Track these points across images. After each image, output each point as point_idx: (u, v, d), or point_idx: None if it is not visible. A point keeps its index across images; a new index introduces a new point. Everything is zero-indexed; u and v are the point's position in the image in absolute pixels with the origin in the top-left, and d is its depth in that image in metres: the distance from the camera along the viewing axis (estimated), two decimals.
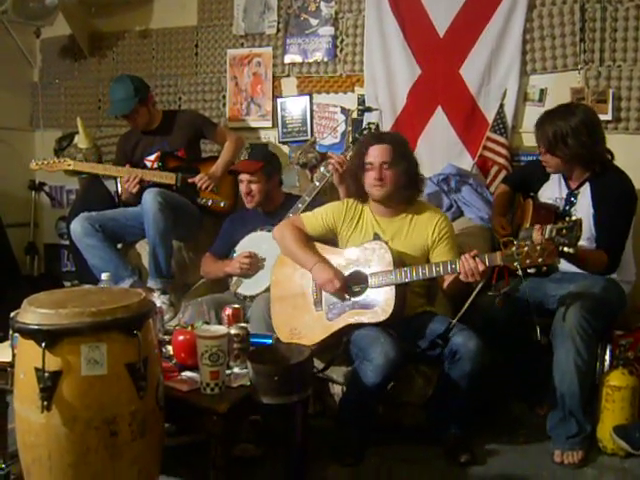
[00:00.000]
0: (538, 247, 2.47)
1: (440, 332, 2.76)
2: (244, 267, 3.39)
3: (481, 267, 2.59)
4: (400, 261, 2.85)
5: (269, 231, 3.45)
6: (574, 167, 3.04)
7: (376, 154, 2.95)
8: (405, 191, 3.00)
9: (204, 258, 3.66)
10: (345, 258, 2.97)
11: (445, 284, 2.89)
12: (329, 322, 2.91)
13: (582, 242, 2.70)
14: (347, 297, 2.90)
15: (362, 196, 3.07)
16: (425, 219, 3.00)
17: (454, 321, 2.74)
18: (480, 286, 2.70)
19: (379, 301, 2.80)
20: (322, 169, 3.56)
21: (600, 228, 2.95)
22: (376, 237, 2.99)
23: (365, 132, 3.57)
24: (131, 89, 3.84)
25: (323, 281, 2.90)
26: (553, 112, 3.07)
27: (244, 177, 3.49)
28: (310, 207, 3.38)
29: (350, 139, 3.60)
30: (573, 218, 2.53)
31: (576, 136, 2.92)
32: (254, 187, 3.49)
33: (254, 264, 3.41)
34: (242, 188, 3.53)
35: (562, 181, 3.17)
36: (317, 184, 3.51)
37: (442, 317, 2.93)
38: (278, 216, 3.49)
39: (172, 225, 3.65)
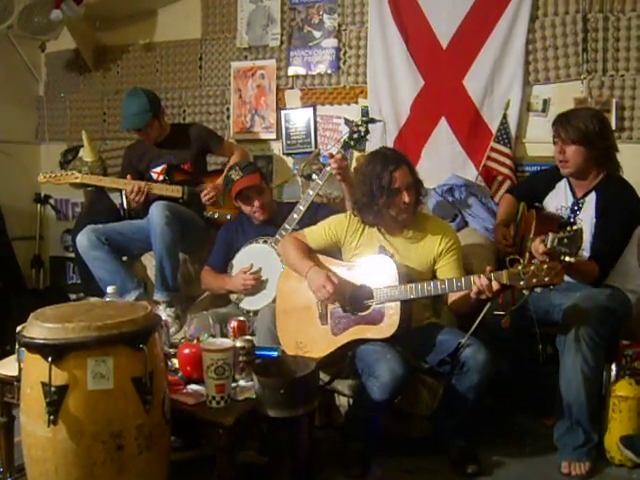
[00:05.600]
0: (545, 266, 2.45)
1: (449, 352, 2.74)
2: (247, 284, 3.40)
3: (496, 286, 2.56)
4: (406, 276, 2.83)
5: (265, 242, 3.46)
6: (591, 167, 3.02)
7: (402, 178, 2.86)
8: (416, 207, 2.98)
9: (203, 272, 3.66)
10: (350, 272, 2.95)
11: (451, 299, 2.88)
12: (334, 336, 2.90)
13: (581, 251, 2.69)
14: (346, 306, 2.88)
15: (378, 223, 2.98)
16: (431, 232, 2.97)
17: (464, 341, 2.71)
18: (489, 305, 2.68)
19: (385, 317, 2.79)
20: (314, 176, 3.55)
21: (597, 237, 2.95)
22: (381, 250, 2.97)
23: (356, 136, 3.50)
24: (146, 103, 3.85)
25: (316, 287, 2.87)
26: (570, 110, 3.09)
27: (251, 193, 3.48)
28: (305, 216, 3.40)
29: (341, 143, 3.54)
30: (574, 227, 2.52)
31: (603, 126, 2.97)
32: (263, 199, 3.51)
33: (257, 282, 3.40)
34: (251, 207, 3.51)
35: (568, 190, 3.17)
36: (311, 193, 3.48)
37: (449, 329, 2.93)
38: (272, 224, 3.51)
39: (179, 238, 3.66)
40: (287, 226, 3.43)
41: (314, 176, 3.55)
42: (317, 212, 3.43)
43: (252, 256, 3.49)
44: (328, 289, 2.81)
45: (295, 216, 3.45)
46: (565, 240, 2.47)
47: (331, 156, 3.36)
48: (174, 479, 2.33)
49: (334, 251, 3.12)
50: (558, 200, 3.21)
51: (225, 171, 3.96)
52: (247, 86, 4.72)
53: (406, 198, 2.85)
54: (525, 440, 3.06)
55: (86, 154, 4.83)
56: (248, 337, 2.63)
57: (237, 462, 2.50)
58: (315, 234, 3.10)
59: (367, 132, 3.52)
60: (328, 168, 3.40)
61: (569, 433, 2.79)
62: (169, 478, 2.22)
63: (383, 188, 2.83)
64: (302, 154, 4.54)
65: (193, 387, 2.44)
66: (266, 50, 4.65)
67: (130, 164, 4.10)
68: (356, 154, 4.18)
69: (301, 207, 3.47)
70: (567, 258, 2.46)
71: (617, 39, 3.79)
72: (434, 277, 2.90)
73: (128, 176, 3.92)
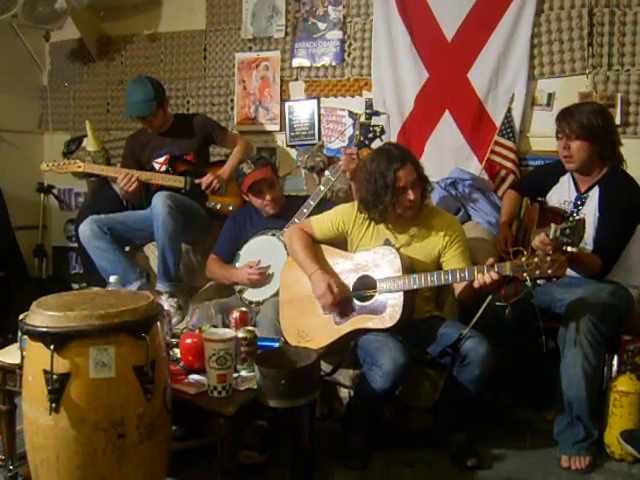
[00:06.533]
0: (548, 258, 2.44)
1: (451, 342, 2.74)
2: (252, 279, 3.39)
3: (495, 277, 2.57)
4: (409, 267, 2.85)
5: (273, 235, 3.46)
6: (595, 162, 3.01)
7: (407, 176, 2.85)
8: (422, 203, 2.99)
9: (209, 260, 3.64)
10: (354, 262, 2.97)
11: (457, 291, 2.88)
12: (337, 326, 2.91)
13: (582, 244, 2.68)
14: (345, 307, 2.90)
15: (385, 220, 2.99)
16: (436, 224, 2.98)
17: (465, 331, 2.71)
18: (491, 297, 2.67)
19: (387, 307, 2.80)
20: (327, 173, 3.55)
21: (600, 231, 2.94)
22: (386, 242, 2.98)
23: (370, 136, 3.52)
24: (151, 91, 3.84)
25: (317, 294, 2.92)
26: (573, 105, 3.08)
27: (263, 187, 3.47)
28: (315, 212, 3.38)
29: (355, 141, 3.55)
30: (576, 217, 2.51)
31: (606, 121, 2.96)
32: (274, 192, 3.50)
33: (262, 277, 3.39)
34: (262, 200, 3.50)
35: (572, 184, 3.16)
36: (322, 188, 3.50)
37: (451, 322, 2.93)
38: (281, 218, 3.50)
39: (181, 229, 3.66)
40: (296, 220, 3.43)
41: (327, 172, 3.55)
42: (324, 207, 3.42)
43: (260, 248, 3.49)
44: (327, 299, 2.87)
45: (305, 210, 3.45)
46: (567, 230, 2.46)
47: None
48: (175, 468, 2.34)
49: (340, 241, 3.12)
50: (561, 194, 3.20)
51: (229, 161, 3.97)
52: (251, 77, 4.71)
53: (411, 196, 2.86)
54: (525, 434, 3.06)
55: (89, 144, 4.83)
56: (250, 328, 2.62)
57: (237, 461, 2.50)
58: (322, 224, 3.11)
59: (382, 132, 3.53)
60: (341, 163, 3.42)
61: (569, 428, 2.80)
62: (169, 467, 2.23)
63: (388, 187, 2.84)
64: (306, 146, 4.53)
65: (195, 377, 2.44)
66: (270, 41, 4.64)
67: (132, 153, 4.08)
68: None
69: (311, 202, 3.48)
70: (569, 248, 2.46)
71: (623, 34, 3.79)
72: (440, 270, 2.90)
73: (117, 164, 3.91)
